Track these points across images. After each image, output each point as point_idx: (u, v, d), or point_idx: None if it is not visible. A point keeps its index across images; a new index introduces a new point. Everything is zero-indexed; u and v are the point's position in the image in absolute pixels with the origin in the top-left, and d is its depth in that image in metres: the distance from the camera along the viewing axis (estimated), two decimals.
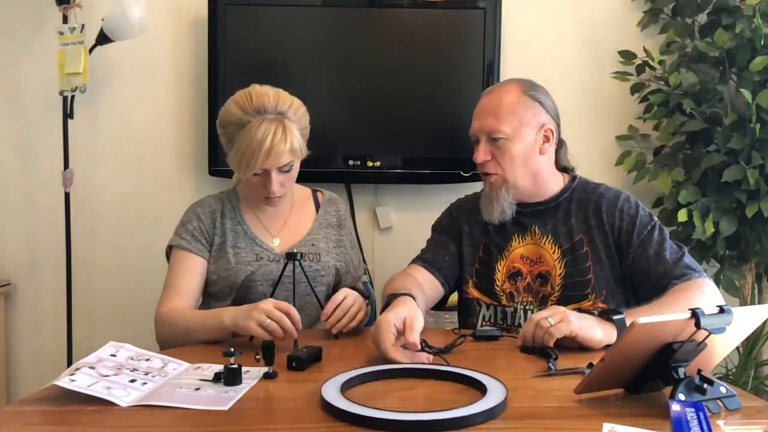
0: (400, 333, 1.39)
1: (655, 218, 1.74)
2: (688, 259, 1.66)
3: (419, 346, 1.38)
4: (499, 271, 1.76)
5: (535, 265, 1.74)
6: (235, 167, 1.72)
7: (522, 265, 1.75)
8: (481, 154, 1.73)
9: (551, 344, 1.42)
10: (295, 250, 1.64)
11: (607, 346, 1.44)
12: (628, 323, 1.44)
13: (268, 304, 1.51)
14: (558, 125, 1.78)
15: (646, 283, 1.65)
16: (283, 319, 1.49)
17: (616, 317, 1.46)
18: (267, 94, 1.70)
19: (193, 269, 1.78)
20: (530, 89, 1.75)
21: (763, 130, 2.27)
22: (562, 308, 1.47)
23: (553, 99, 1.79)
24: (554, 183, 1.79)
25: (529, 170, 1.74)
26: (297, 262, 1.64)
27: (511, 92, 1.73)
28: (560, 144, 1.81)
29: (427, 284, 1.74)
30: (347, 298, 1.62)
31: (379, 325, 1.40)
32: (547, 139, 1.74)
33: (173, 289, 1.75)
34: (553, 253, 1.73)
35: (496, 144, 1.72)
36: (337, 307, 1.60)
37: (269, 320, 1.49)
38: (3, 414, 1.18)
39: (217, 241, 1.80)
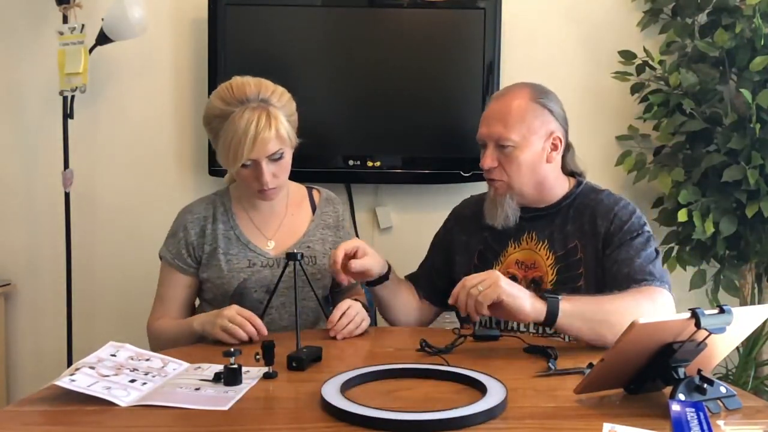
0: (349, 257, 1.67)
1: (648, 230, 1.70)
2: (655, 267, 1.63)
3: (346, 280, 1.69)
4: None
5: (529, 271, 1.73)
6: (223, 160, 1.69)
7: (517, 271, 1.74)
8: (488, 161, 1.72)
9: (484, 312, 1.44)
10: (295, 251, 1.63)
11: (545, 326, 1.47)
12: (561, 307, 1.45)
13: (232, 311, 1.58)
14: (566, 131, 1.76)
15: (612, 284, 1.62)
16: (244, 324, 1.55)
17: (549, 296, 1.46)
18: (248, 83, 1.68)
19: (178, 284, 1.80)
20: (540, 96, 1.73)
21: (763, 130, 2.27)
22: (495, 273, 1.47)
23: (562, 104, 1.77)
24: (559, 188, 1.77)
25: (536, 178, 1.73)
26: (297, 263, 1.63)
27: (521, 98, 1.71)
28: (567, 148, 1.79)
29: (411, 296, 1.85)
30: (351, 307, 1.65)
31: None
32: (554, 147, 1.73)
33: (161, 302, 1.81)
34: (547, 259, 1.72)
35: (504, 151, 1.70)
36: (343, 314, 1.62)
37: (231, 324, 1.55)
38: (3, 414, 1.18)
39: (208, 249, 1.78)
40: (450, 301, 1.52)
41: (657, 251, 1.68)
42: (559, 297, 1.47)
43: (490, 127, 1.72)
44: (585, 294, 1.62)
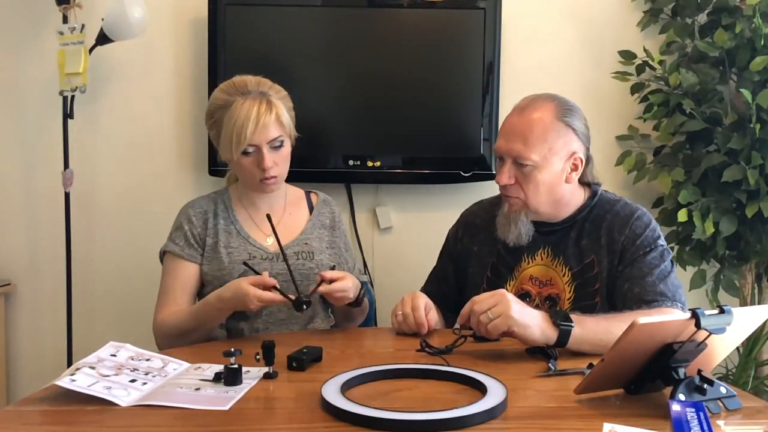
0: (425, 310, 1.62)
1: (662, 243, 1.66)
2: (667, 284, 1.60)
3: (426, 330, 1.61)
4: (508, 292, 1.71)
5: (545, 287, 1.69)
6: (226, 149, 1.74)
7: (531, 287, 1.71)
8: (505, 177, 1.66)
9: (493, 338, 1.45)
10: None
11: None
12: (572, 333, 1.42)
13: (250, 293, 1.58)
14: (588, 148, 1.71)
15: (622, 304, 1.59)
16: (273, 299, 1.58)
17: (562, 325, 1.42)
18: (248, 79, 1.78)
19: (187, 275, 1.79)
20: (564, 114, 1.66)
21: (763, 130, 2.27)
22: (506, 298, 1.43)
23: (586, 119, 1.71)
24: (574, 202, 1.72)
25: (553, 197, 1.67)
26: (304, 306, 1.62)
27: (545, 115, 1.64)
28: (587, 161, 1.72)
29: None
30: (346, 278, 1.64)
31: (415, 299, 1.63)
32: (575, 167, 1.67)
33: (169, 296, 1.78)
34: (563, 275, 1.68)
35: (522, 170, 1.64)
36: (336, 280, 1.63)
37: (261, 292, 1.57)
38: (3, 414, 1.18)
39: (210, 242, 1.80)
40: (459, 321, 1.49)
41: (672, 263, 1.65)
42: (572, 325, 1.43)
43: (510, 143, 1.65)
44: (600, 311, 1.60)
